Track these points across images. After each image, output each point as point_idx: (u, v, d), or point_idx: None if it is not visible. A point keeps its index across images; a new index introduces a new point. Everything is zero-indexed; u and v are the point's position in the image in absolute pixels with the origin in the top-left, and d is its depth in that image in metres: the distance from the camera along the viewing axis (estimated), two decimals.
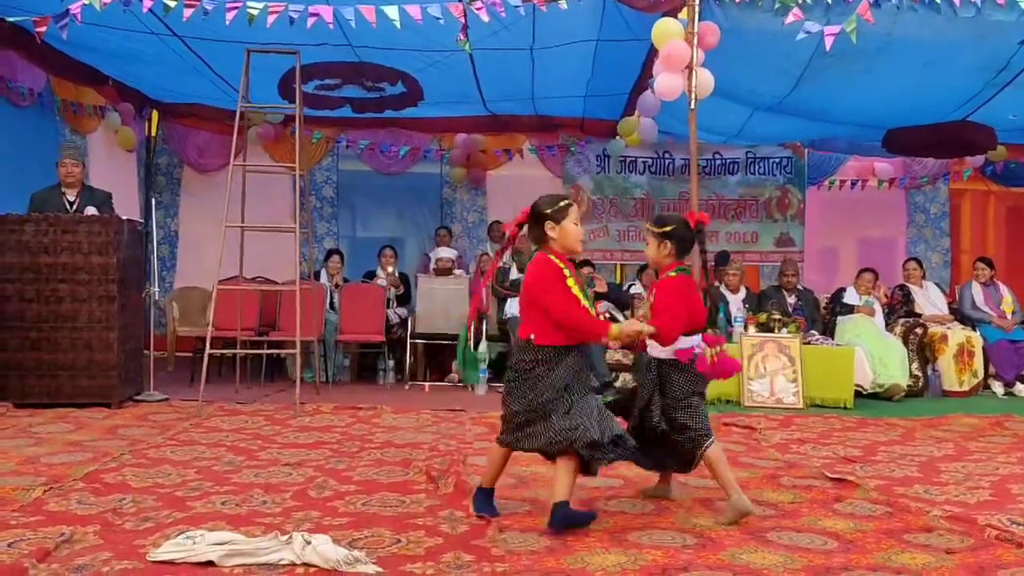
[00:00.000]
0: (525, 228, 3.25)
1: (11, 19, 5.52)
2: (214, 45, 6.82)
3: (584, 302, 3.13)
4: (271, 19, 5.45)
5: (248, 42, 6.19)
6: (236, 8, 5.45)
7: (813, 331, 7.34)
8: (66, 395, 5.68)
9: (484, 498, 3.29)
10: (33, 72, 7.35)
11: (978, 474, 4.18)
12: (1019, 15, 5.76)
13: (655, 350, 3.44)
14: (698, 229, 3.45)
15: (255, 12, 5.45)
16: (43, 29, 5.28)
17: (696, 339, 3.40)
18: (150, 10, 5.50)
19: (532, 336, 3.12)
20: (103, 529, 2.93)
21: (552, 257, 3.14)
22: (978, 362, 7.52)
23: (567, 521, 3.02)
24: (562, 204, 3.18)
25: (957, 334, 7.53)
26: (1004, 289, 8.30)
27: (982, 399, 7.26)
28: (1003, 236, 10.54)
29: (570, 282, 3.11)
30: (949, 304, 8.38)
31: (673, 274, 3.43)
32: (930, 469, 4.30)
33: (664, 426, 3.40)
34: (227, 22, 5.47)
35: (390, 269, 8.44)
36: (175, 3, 5.38)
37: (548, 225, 3.15)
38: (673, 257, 3.44)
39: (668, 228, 3.44)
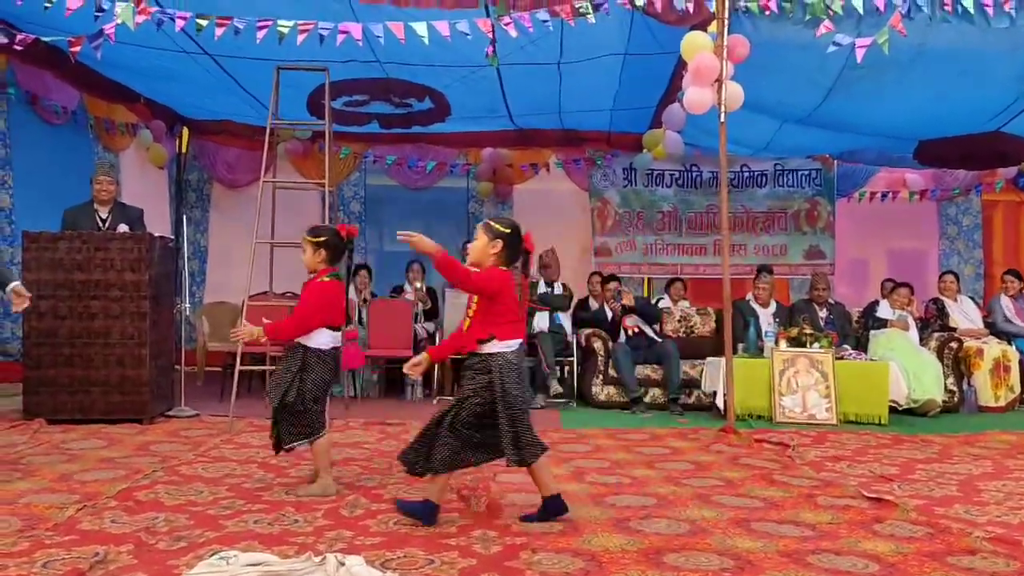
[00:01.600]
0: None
1: (46, 39, 5.58)
2: (244, 63, 6.88)
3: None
4: (301, 37, 5.49)
5: (278, 60, 6.24)
6: (266, 26, 5.48)
7: (846, 346, 7.25)
8: (99, 411, 5.72)
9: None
10: (67, 90, 7.47)
11: (1019, 493, 4.09)
12: None
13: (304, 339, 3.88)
14: (348, 240, 4.00)
15: (285, 30, 5.48)
16: (77, 49, 5.34)
17: (337, 335, 3.94)
18: (183, 29, 5.55)
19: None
20: (137, 549, 2.93)
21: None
22: (1014, 377, 7.38)
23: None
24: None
25: (993, 348, 7.40)
26: None
27: (1019, 415, 7.13)
28: None
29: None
30: (984, 318, 8.25)
31: (327, 279, 3.91)
32: (969, 488, 4.21)
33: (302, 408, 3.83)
34: (257, 40, 5.51)
35: (418, 284, 8.46)
36: (207, 22, 5.42)
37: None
38: (325, 263, 3.91)
39: (322, 238, 3.94)
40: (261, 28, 5.51)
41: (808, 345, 6.77)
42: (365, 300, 8.19)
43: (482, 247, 3.46)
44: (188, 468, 4.34)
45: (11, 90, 7.02)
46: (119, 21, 5.21)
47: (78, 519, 3.30)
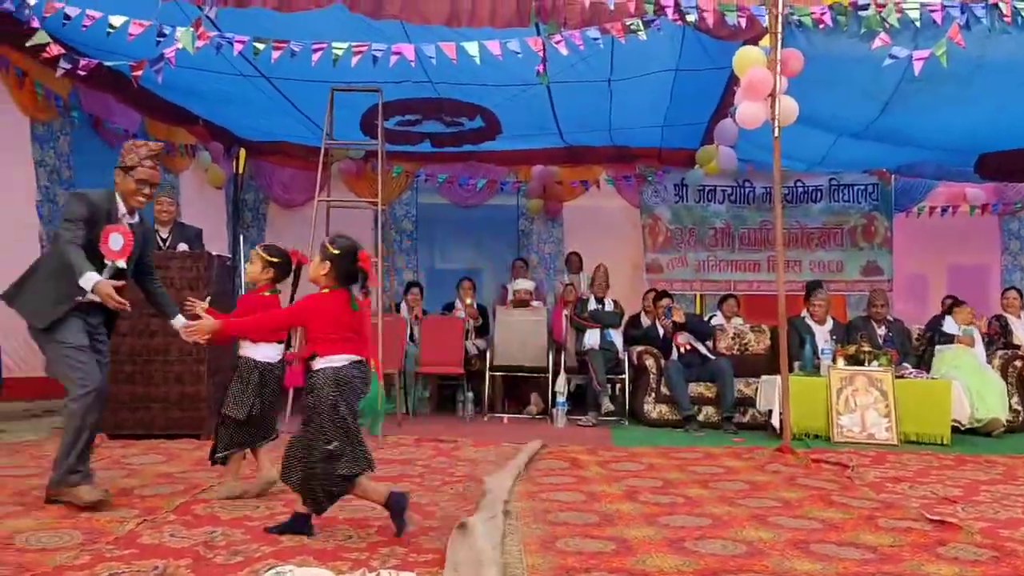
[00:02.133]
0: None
1: (109, 63, 5.76)
2: (299, 84, 7.04)
3: None
4: (355, 59, 5.59)
5: (332, 81, 6.35)
6: (321, 49, 5.59)
7: (906, 364, 7.07)
8: (159, 427, 5.84)
9: None
10: (128, 113, 7.70)
11: None
12: None
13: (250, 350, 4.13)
14: (298, 268, 4.14)
15: (340, 52, 5.59)
16: (139, 73, 5.50)
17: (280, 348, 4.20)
18: (240, 53, 5.69)
19: None
20: (195, 563, 2.98)
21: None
22: None
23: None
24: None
25: None
26: None
27: None
28: None
29: None
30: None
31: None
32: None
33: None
34: (313, 63, 5.62)
35: (468, 301, 8.50)
36: (264, 45, 5.55)
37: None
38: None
39: (275, 259, 4.20)
40: (316, 51, 5.62)
41: (867, 363, 6.63)
42: (417, 317, 8.25)
43: (315, 267, 3.55)
44: (244, 483, 4.39)
45: (75, 113, 7.26)
46: (180, 46, 5.36)
47: (138, 533, 3.36)
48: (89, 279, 3.69)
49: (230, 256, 7.29)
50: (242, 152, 9.72)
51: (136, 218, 4.04)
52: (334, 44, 5.61)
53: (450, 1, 5.69)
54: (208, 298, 4.51)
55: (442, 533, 3.45)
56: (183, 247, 6.34)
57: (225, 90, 7.39)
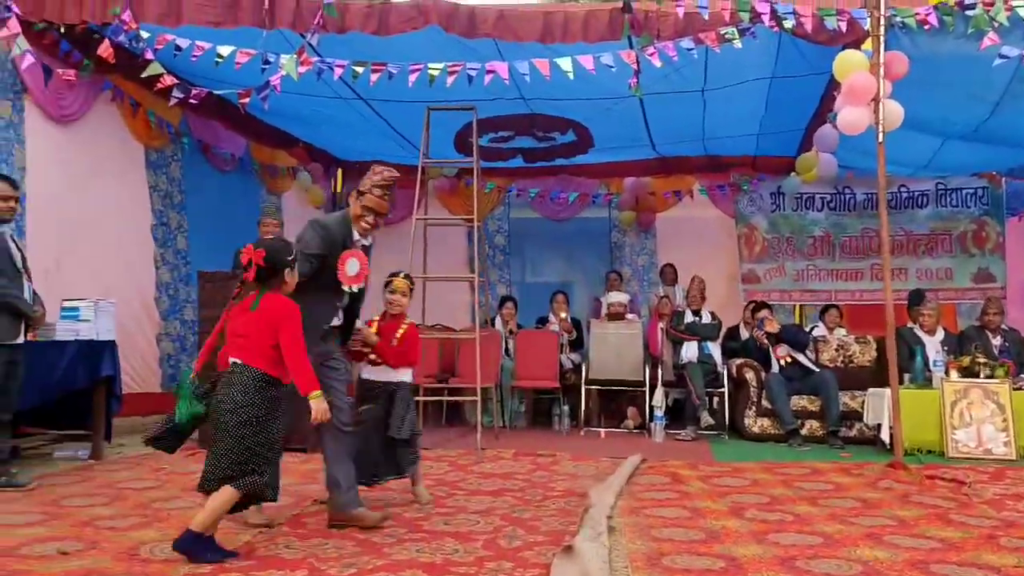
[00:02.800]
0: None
1: (217, 91, 6.02)
2: (396, 105, 7.19)
3: None
4: (451, 79, 5.68)
5: (427, 100, 6.48)
6: (418, 70, 5.71)
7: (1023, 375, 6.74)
8: None
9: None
10: (235, 139, 8.03)
11: None
12: None
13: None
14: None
15: (436, 72, 5.70)
16: (247, 100, 5.73)
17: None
18: (340, 77, 5.86)
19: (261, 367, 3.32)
20: (310, 574, 3.06)
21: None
22: None
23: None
24: (293, 256, 3.47)
25: None
26: None
27: None
28: None
29: None
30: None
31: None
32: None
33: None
34: (410, 84, 5.74)
35: (563, 315, 8.50)
36: (362, 69, 5.70)
37: (287, 272, 3.42)
38: None
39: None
40: (413, 72, 5.74)
41: (982, 375, 6.34)
42: (511, 331, 8.30)
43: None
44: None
45: (185, 140, 7.60)
46: (284, 72, 5.56)
47: (255, 544, 3.48)
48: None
49: None
50: (340, 172, 10.04)
51: (369, 240, 4.00)
52: (430, 65, 5.72)
53: (543, 18, 5.73)
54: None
55: (546, 547, 3.46)
56: None
57: (325, 113, 7.62)
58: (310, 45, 5.69)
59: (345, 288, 3.82)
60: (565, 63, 5.65)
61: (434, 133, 7.08)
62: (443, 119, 7.07)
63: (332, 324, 3.93)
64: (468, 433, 6.76)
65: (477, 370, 6.11)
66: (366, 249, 3.96)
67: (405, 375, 4.44)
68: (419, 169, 6.53)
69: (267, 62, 5.68)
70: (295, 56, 5.57)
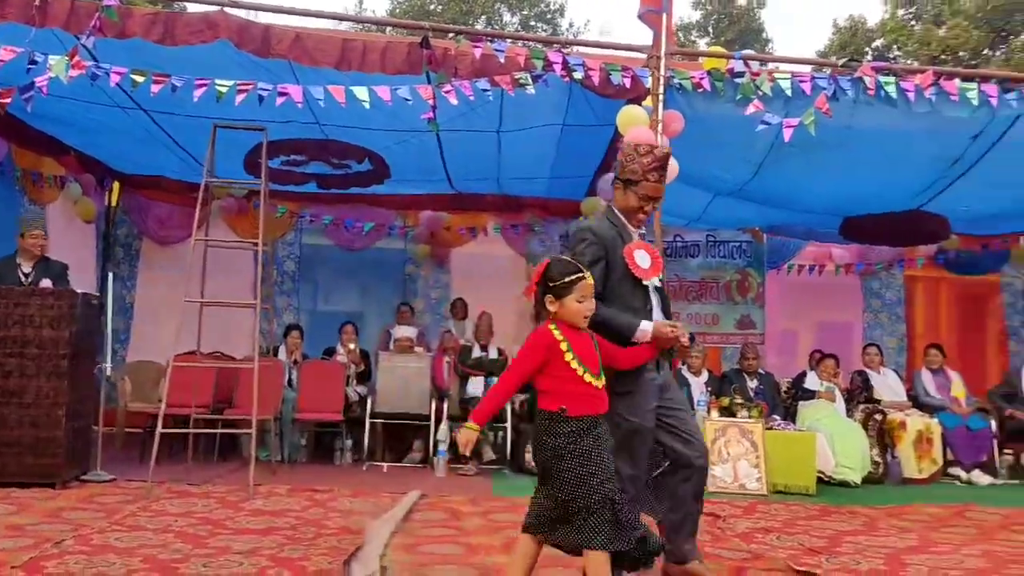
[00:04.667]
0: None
1: None
2: (180, 119, 6.82)
3: (582, 373, 2.98)
4: (240, 97, 5.45)
5: (215, 117, 6.19)
6: (205, 85, 5.44)
7: (775, 415, 7.34)
8: (10, 473, 5.44)
9: None
10: None
11: (943, 568, 4.14)
12: (971, 111, 5.97)
13: None
14: None
15: (224, 90, 5.44)
16: (7, 101, 5.21)
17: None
18: (118, 84, 5.47)
19: (564, 408, 2.96)
20: None
21: (552, 327, 3.03)
22: (937, 449, 7.56)
23: None
24: (568, 280, 3.01)
25: (916, 421, 7.58)
26: (954, 375, 8.43)
27: (942, 487, 7.27)
28: (955, 323, 10.77)
29: (568, 356, 2.99)
30: (907, 391, 8.47)
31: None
32: (895, 562, 4.24)
33: None
34: (195, 99, 5.46)
35: (352, 346, 8.33)
36: (143, 78, 5.36)
37: (548, 299, 3.03)
38: None
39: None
40: (200, 87, 5.46)
41: (739, 415, 6.84)
42: (296, 361, 8.03)
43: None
44: (100, 537, 4.13)
45: None
46: (52, 74, 5.12)
47: None
48: (644, 329, 3.28)
49: (97, 294, 6.93)
50: (116, 185, 9.36)
51: (643, 230, 3.57)
52: (218, 81, 5.47)
53: (341, 44, 5.66)
54: None
55: None
56: (47, 283, 6.01)
57: (100, 121, 7.08)
58: (85, 48, 5.28)
59: (645, 282, 3.38)
60: (362, 92, 5.57)
61: (223, 152, 6.76)
62: (233, 138, 6.76)
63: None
64: (242, 468, 6.43)
65: (255, 401, 5.82)
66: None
67: None
68: (202, 187, 6.19)
69: (34, 62, 5.20)
70: (66, 58, 5.15)
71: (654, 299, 3.41)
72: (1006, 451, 8.14)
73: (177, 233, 9.33)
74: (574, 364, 2.98)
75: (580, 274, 3.02)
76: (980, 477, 7.55)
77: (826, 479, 6.88)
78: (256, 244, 6.32)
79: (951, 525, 5.37)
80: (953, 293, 10.78)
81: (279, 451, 7.26)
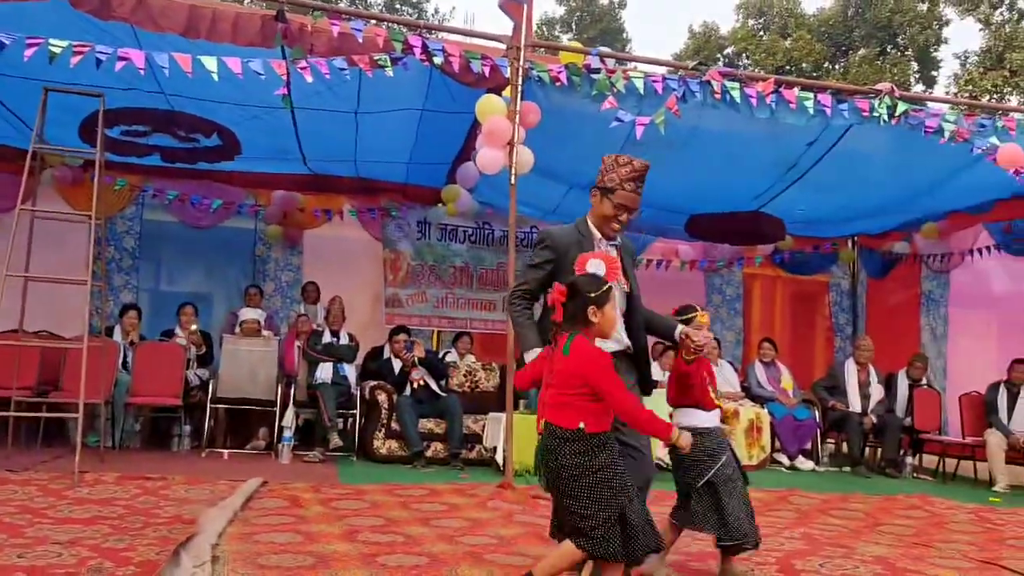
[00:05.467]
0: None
1: None
2: (9, 80, 6.32)
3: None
4: (75, 60, 5.10)
5: (45, 80, 5.76)
6: (37, 45, 5.06)
7: None
8: None
9: None
10: None
11: (765, 550, 4.38)
12: (808, 119, 6.34)
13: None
14: None
15: (57, 50, 5.08)
16: None
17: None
18: None
19: (582, 424, 2.92)
20: None
21: (593, 343, 3.02)
22: (766, 437, 8.03)
23: None
24: (605, 289, 3.03)
25: (748, 410, 8.02)
26: (783, 368, 8.98)
27: (769, 473, 7.73)
28: (788, 319, 11.42)
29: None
30: (741, 382, 8.94)
31: None
32: None
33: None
34: (25, 58, 5.06)
35: (193, 327, 7.97)
36: None
37: (591, 310, 2.98)
38: None
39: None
40: (31, 46, 5.07)
41: None
42: (132, 343, 7.62)
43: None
44: None
45: None
46: None
47: None
48: (532, 355, 3.27)
49: None
50: None
51: (619, 242, 3.52)
52: (51, 41, 5.10)
53: (188, 11, 5.38)
54: None
55: None
56: None
57: None
58: None
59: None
60: (210, 62, 5.33)
61: (56, 117, 6.30)
62: (69, 103, 6.31)
63: (611, 349, 3.28)
64: (68, 454, 6.04)
65: (82, 384, 5.48)
66: (621, 252, 3.51)
67: None
68: (29, 154, 5.75)
69: None
70: None
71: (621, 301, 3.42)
72: (828, 440, 8.75)
73: (3, 203, 8.63)
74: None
75: (608, 284, 3.05)
76: (804, 463, 8.08)
77: (664, 466, 7.15)
78: (88, 217, 5.94)
79: (776, 509, 5.71)
80: (787, 291, 11.43)
81: (110, 437, 6.87)
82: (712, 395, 3.68)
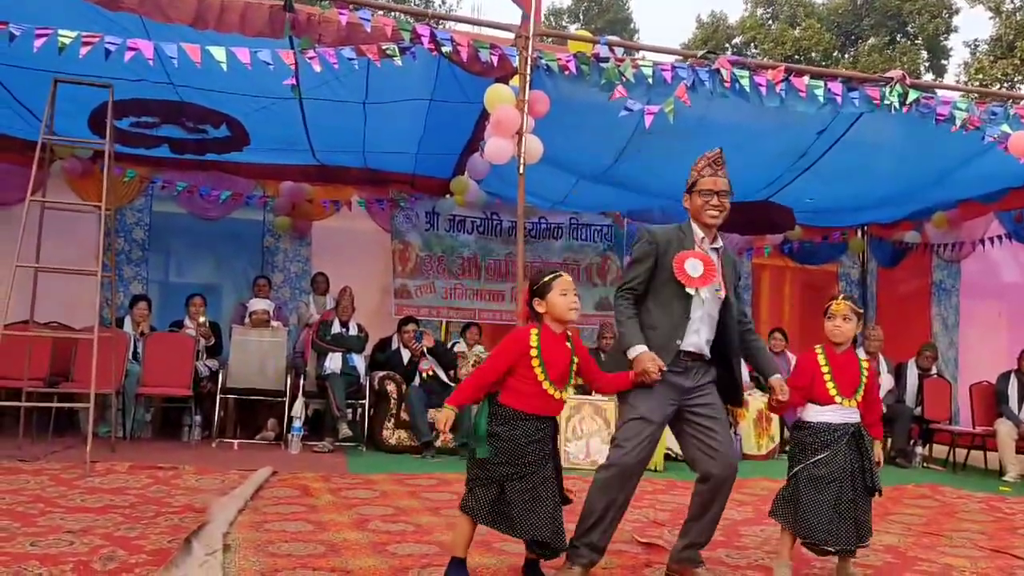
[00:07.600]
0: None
1: None
2: (18, 72, 6.33)
3: (542, 379, 3.16)
4: (84, 50, 5.10)
5: (55, 71, 5.77)
6: (46, 36, 5.06)
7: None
8: None
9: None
10: None
11: (776, 538, 4.37)
12: (818, 108, 6.31)
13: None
14: None
15: (67, 41, 5.08)
16: None
17: None
18: None
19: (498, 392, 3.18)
20: None
21: (533, 332, 3.20)
22: (775, 428, 8.01)
23: None
24: (546, 279, 3.23)
25: (757, 401, 8.00)
26: (793, 359, 8.94)
27: (778, 463, 7.70)
28: (797, 309, 11.38)
29: (535, 362, 3.15)
30: (750, 372, 8.91)
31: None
32: (732, 533, 4.47)
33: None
34: (35, 49, 5.07)
35: (202, 319, 7.99)
36: None
37: (535, 302, 3.23)
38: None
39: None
40: (40, 37, 5.08)
41: (592, 392, 7.00)
42: (143, 333, 7.64)
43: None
44: None
45: None
46: None
47: None
48: (633, 352, 3.30)
49: None
50: None
51: (719, 243, 3.50)
52: (61, 31, 5.10)
53: (196, 1, 5.38)
54: None
55: (148, 568, 3.18)
56: None
57: None
58: None
59: (689, 290, 3.34)
60: (219, 53, 5.32)
61: (66, 108, 6.30)
62: (79, 95, 6.32)
63: (688, 349, 3.37)
64: (79, 444, 6.07)
65: (93, 374, 5.50)
66: (721, 255, 3.50)
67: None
68: (38, 146, 5.76)
69: None
70: None
71: (699, 311, 3.39)
72: None
73: (15, 194, 8.64)
74: (538, 371, 3.15)
75: (555, 272, 3.27)
76: None
77: (674, 456, 7.16)
78: (98, 208, 5.95)
79: None
80: (796, 281, 11.39)
81: (120, 427, 6.91)
82: (831, 391, 3.53)
